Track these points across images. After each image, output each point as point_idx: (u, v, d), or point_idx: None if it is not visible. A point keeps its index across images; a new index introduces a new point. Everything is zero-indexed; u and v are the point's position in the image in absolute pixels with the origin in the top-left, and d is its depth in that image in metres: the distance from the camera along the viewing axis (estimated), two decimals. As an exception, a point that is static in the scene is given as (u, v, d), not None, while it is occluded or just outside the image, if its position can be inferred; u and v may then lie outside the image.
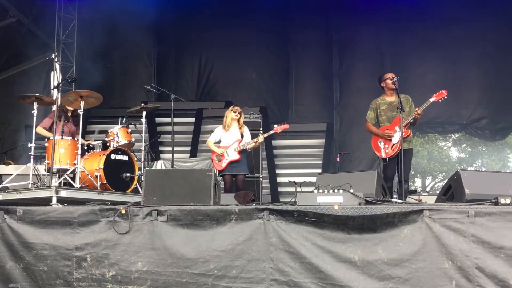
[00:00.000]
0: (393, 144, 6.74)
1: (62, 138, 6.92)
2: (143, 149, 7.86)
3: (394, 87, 6.81)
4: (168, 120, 8.43)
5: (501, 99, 11.39)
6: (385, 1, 11.47)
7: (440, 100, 6.81)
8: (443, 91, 6.77)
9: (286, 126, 8.15)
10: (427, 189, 26.34)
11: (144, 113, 7.96)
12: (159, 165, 9.32)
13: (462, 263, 4.37)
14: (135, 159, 7.50)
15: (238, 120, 8.04)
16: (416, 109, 6.70)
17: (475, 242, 4.41)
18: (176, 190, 5.10)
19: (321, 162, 10.72)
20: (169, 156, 9.01)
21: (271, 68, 12.29)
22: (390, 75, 7.01)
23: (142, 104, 8.34)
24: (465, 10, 11.20)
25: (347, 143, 11.42)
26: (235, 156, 7.85)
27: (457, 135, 26.81)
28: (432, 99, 6.74)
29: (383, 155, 6.79)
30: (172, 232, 4.81)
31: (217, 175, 7.82)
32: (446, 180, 6.17)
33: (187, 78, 12.23)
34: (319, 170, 10.30)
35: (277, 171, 10.64)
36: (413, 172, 28.64)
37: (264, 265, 4.62)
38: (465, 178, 5.16)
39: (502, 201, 4.64)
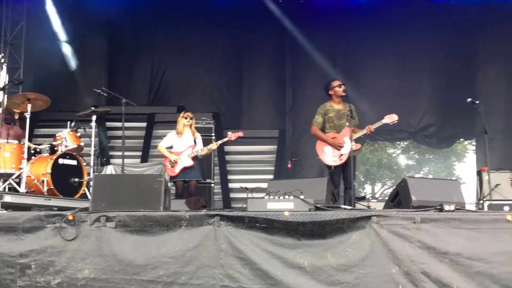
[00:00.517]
0: (342, 155, 6.76)
1: (7, 142, 6.72)
2: (92, 154, 7.71)
3: (344, 94, 6.86)
4: (119, 124, 8.30)
5: (448, 108, 11.78)
6: (338, 10, 11.66)
7: (391, 124, 6.97)
8: (395, 115, 6.90)
9: (240, 133, 8.16)
10: (377, 196, 26.91)
11: (94, 117, 7.81)
12: (109, 170, 9.15)
13: (408, 268, 4.46)
14: (84, 164, 7.35)
15: (190, 126, 7.99)
16: (369, 126, 6.74)
17: (421, 248, 4.50)
18: (126, 195, 5.02)
19: (273, 168, 10.77)
20: (119, 161, 8.86)
21: (224, 74, 12.31)
22: (337, 82, 7.03)
23: (92, 108, 8.19)
24: (416, 21, 11.52)
25: (299, 150, 11.53)
26: (189, 162, 7.80)
27: (405, 143, 27.48)
28: (384, 121, 6.88)
29: (330, 163, 6.80)
30: (121, 238, 4.73)
31: (169, 181, 7.79)
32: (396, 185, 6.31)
33: (139, 82, 12.10)
34: (271, 176, 10.35)
35: (229, 177, 10.63)
36: (363, 179, 29.19)
37: (214, 271, 4.59)
38: (411, 185, 5.28)
39: (446, 207, 4.77)
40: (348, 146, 6.66)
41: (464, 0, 11.44)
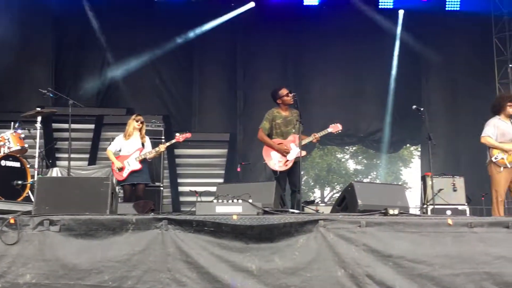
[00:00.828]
0: (287, 161, 6.85)
1: None
2: (37, 156, 7.49)
3: (292, 102, 6.96)
4: (66, 126, 8.10)
5: (395, 115, 12.09)
6: (289, 15, 11.80)
7: (336, 133, 7.21)
8: (339, 125, 7.16)
9: (188, 135, 8.11)
10: (325, 200, 27.22)
11: (39, 118, 7.60)
12: (54, 172, 8.92)
13: (353, 271, 4.54)
14: (28, 166, 7.14)
15: (140, 130, 7.90)
16: (315, 134, 6.89)
17: (365, 251, 4.59)
18: (71, 199, 4.90)
19: (223, 172, 10.77)
20: (66, 163, 8.66)
21: (175, 76, 12.23)
22: (285, 91, 7.08)
23: (38, 108, 7.95)
24: (364, 28, 11.78)
25: (250, 154, 11.54)
26: (137, 166, 7.70)
27: (354, 148, 28.00)
28: (329, 130, 7.11)
29: (276, 168, 6.87)
30: (65, 242, 4.62)
31: (117, 184, 7.66)
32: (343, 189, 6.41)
33: (88, 82, 11.84)
34: (221, 180, 10.34)
35: (179, 180, 10.56)
36: (312, 183, 29.53)
37: (161, 276, 4.54)
38: (358, 189, 5.38)
39: (390, 212, 4.88)
40: (294, 152, 6.80)
41: (411, 9, 11.80)
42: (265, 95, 11.40)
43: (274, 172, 6.85)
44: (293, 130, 6.90)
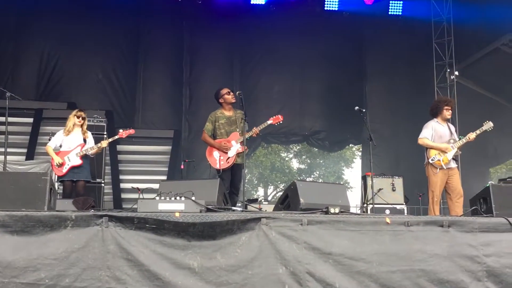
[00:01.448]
0: (229, 158, 6.92)
1: None
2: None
3: (234, 101, 7.01)
4: (3, 119, 7.82)
5: (339, 114, 12.29)
6: (236, 12, 11.83)
7: (276, 124, 7.22)
8: (280, 116, 7.18)
9: (131, 131, 8.02)
10: (269, 198, 27.45)
11: (-26, 110, 7.31)
12: (-11, 167, 8.58)
13: (294, 269, 4.59)
14: (-39, 159, 6.85)
15: (82, 126, 7.72)
16: (255, 128, 6.93)
17: (307, 249, 4.65)
18: (7, 194, 4.74)
19: (166, 169, 10.69)
20: (1, 158, 8.35)
21: (119, 70, 12.01)
22: (226, 90, 7.13)
23: (-28, 100, 7.66)
24: (311, 28, 11.96)
25: (194, 151, 11.53)
26: (77, 161, 7.53)
27: (298, 147, 28.35)
28: (269, 122, 7.12)
29: (218, 166, 6.92)
30: (0, 239, 4.46)
31: (57, 180, 7.46)
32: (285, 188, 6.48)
33: (27, 74, 11.47)
34: (165, 177, 10.27)
35: (121, 177, 10.42)
36: (256, 182, 29.69)
37: (100, 273, 4.46)
38: (300, 188, 5.45)
39: (332, 210, 4.96)
40: (234, 148, 6.91)
41: (355, 12, 12.05)
42: (211, 93, 11.48)
43: (217, 171, 6.92)
44: (237, 129, 6.99)
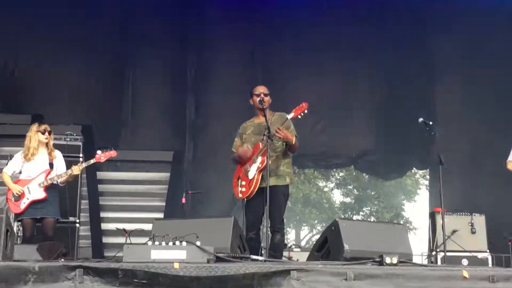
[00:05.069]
0: (250, 180, 6.75)
1: None
2: None
3: (261, 107, 6.91)
4: None
5: (398, 128, 12.07)
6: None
7: (300, 116, 6.86)
8: (303, 104, 6.80)
9: (113, 153, 8.05)
10: (302, 243, 27.39)
11: None
12: None
13: None
14: None
15: (47, 144, 7.78)
16: (277, 128, 6.70)
17: (353, 314, 4.62)
18: None
19: (163, 204, 10.72)
20: None
21: (101, 73, 12.05)
22: (259, 89, 7.06)
23: None
24: (355, 15, 11.95)
25: (201, 179, 11.50)
26: (40, 194, 7.58)
27: (341, 174, 28.27)
28: (290, 116, 6.82)
29: (239, 195, 6.83)
30: None
31: (14, 219, 7.52)
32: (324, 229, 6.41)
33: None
34: (161, 215, 10.32)
35: (103, 214, 10.48)
36: (285, 220, 29.61)
37: None
38: (344, 229, 5.41)
39: (388, 260, 4.90)
40: (254, 166, 6.71)
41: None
42: (226, 100, 11.54)
43: (241, 201, 6.92)
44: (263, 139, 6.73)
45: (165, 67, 12.21)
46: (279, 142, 6.82)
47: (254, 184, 6.70)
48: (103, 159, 7.99)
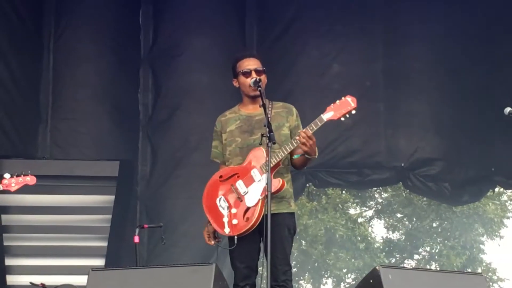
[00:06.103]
0: (248, 208, 6.71)
1: None
2: None
3: (253, 93, 6.89)
4: None
5: (472, 127, 12.21)
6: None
7: (343, 119, 6.82)
8: (349, 99, 6.72)
9: (29, 180, 8.26)
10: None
11: None
12: None
13: None
14: None
15: None
16: (302, 131, 6.55)
17: None
18: None
19: (105, 244, 10.76)
20: None
21: (15, 58, 12.08)
22: (250, 63, 6.97)
23: None
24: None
25: (165, 205, 11.59)
26: None
27: (384, 195, 28.40)
28: (326, 117, 6.69)
29: (227, 231, 6.75)
30: None
31: None
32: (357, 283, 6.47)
33: None
34: (102, 262, 10.43)
35: (8, 261, 10.55)
36: (298, 267, 29.76)
37: None
38: (388, 282, 5.44)
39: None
40: (258, 187, 6.72)
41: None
42: (201, 80, 11.62)
43: (230, 239, 6.67)
44: (263, 142, 6.55)
45: (102, 36, 12.22)
46: (285, 150, 6.75)
47: (258, 214, 6.59)
48: (14, 188, 8.15)
